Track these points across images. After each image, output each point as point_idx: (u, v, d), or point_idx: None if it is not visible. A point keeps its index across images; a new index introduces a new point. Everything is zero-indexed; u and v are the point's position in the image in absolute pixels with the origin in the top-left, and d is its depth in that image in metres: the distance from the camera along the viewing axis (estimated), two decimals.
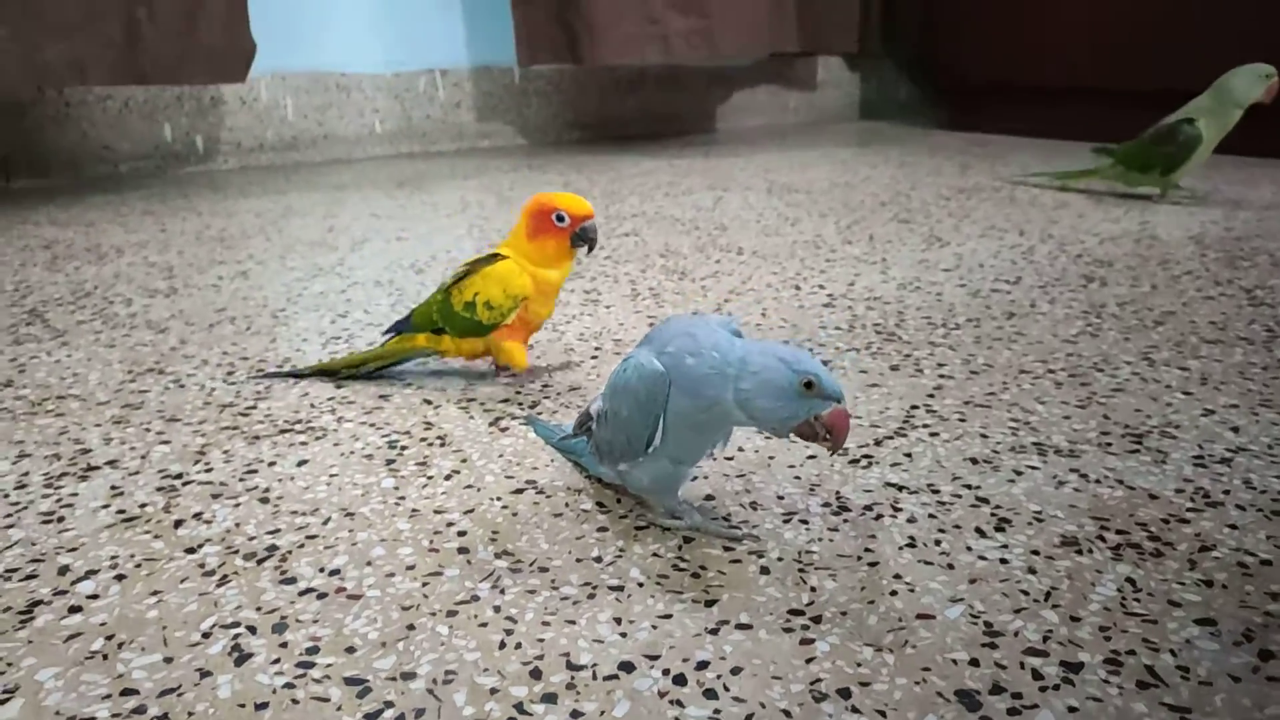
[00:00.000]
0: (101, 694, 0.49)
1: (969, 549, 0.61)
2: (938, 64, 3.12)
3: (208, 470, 0.75)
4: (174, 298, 1.24)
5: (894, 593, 0.57)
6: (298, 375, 0.95)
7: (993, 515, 0.66)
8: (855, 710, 0.47)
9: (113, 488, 0.72)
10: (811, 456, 0.75)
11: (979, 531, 0.64)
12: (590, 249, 0.86)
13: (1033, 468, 0.73)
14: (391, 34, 2.52)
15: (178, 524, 0.67)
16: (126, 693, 0.50)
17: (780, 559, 0.61)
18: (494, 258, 0.87)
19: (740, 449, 0.77)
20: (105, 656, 0.52)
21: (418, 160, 2.51)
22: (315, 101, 2.43)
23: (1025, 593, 0.57)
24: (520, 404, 0.87)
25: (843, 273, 1.31)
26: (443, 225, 1.70)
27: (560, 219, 0.84)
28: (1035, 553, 0.61)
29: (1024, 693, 0.48)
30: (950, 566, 0.59)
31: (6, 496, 0.71)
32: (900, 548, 0.62)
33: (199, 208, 1.88)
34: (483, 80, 2.69)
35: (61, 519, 0.67)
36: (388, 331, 0.94)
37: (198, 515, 0.68)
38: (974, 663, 0.50)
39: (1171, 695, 0.48)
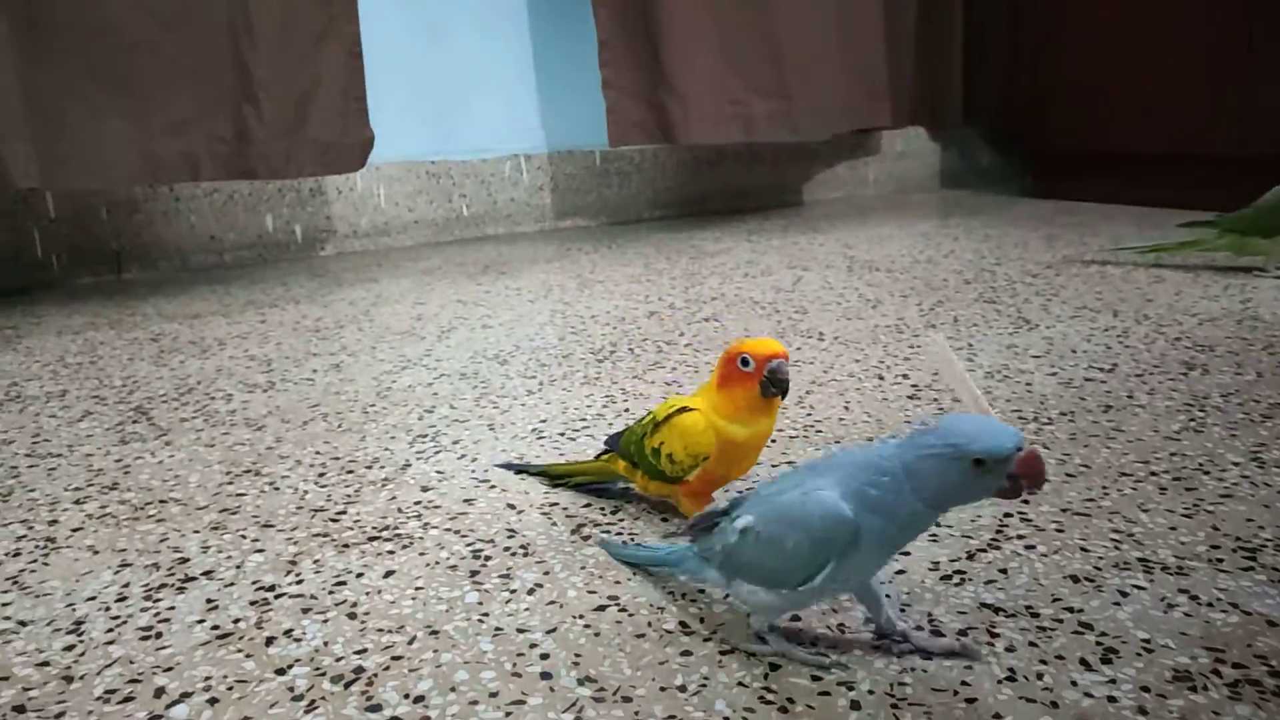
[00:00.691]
0: None
1: (1073, 684, 0.58)
2: (1020, 131, 3.08)
3: (299, 581, 0.76)
4: (271, 393, 1.29)
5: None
6: (526, 471, 0.96)
7: (1098, 644, 0.62)
8: None
9: (208, 600, 0.74)
10: (901, 572, 0.73)
11: (1084, 663, 0.60)
12: (783, 395, 0.75)
13: (1139, 587, 0.69)
14: (477, 122, 2.61)
15: (269, 641, 0.68)
16: None
17: (871, 691, 0.59)
18: (684, 409, 0.79)
19: None
20: None
21: (501, 243, 2.57)
22: (406, 189, 2.53)
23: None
24: (602, 509, 0.87)
25: (927, 361, 1.29)
26: (525, 311, 1.73)
27: (745, 363, 0.74)
28: (1145, 689, 0.57)
29: None
30: (1054, 704, 0.57)
31: (108, 610, 0.73)
32: (999, 681, 0.59)
33: (297, 296, 1.96)
34: (565, 163, 2.76)
35: (159, 634, 0.69)
36: (606, 444, 0.89)
37: (288, 632, 0.69)
38: None
39: None
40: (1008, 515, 0.81)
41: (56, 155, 1.72)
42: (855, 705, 0.58)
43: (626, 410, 1.14)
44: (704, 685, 0.60)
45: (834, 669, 0.61)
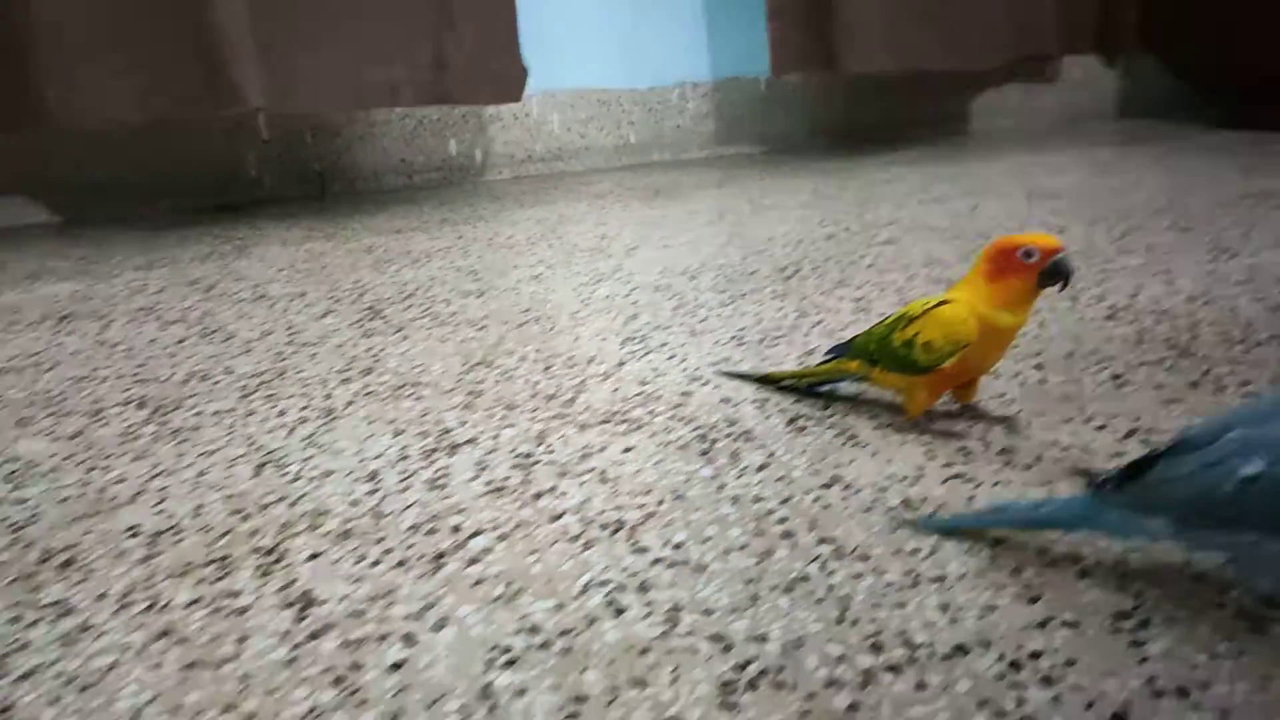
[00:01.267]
0: (512, 629, 0.60)
1: None
2: (1204, 58, 2.91)
3: (550, 452, 0.86)
4: (484, 298, 1.40)
5: (1220, 606, 0.59)
6: (748, 378, 1.01)
7: None
8: (1195, 707, 0.50)
9: (476, 463, 0.85)
10: None
11: None
12: (1064, 286, 0.80)
13: None
14: (645, 52, 2.66)
15: (537, 496, 0.78)
16: (532, 630, 0.60)
17: (1099, 562, 0.64)
18: (943, 303, 0.83)
19: None
20: (508, 600, 0.64)
21: (668, 169, 2.63)
22: (578, 115, 2.62)
23: None
24: (811, 404, 0.94)
25: (1123, 284, 1.29)
26: (703, 233, 1.79)
27: (1028, 255, 0.78)
28: None
29: None
30: None
31: (394, 465, 0.85)
32: (1221, 565, 0.63)
33: (484, 215, 2.08)
34: (730, 91, 2.78)
35: (443, 486, 0.81)
36: (829, 353, 0.95)
37: (552, 490, 0.79)
38: None
39: None
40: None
41: (280, 80, 1.88)
42: (1084, 573, 0.63)
43: (820, 322, 1.20)
44: (935, 550, 0.67)
45: None
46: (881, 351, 0.87)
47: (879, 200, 2.02)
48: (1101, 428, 0.85)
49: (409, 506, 0.77)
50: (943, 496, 0.74)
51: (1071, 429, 0.85)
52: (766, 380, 1.00)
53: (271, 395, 1.04)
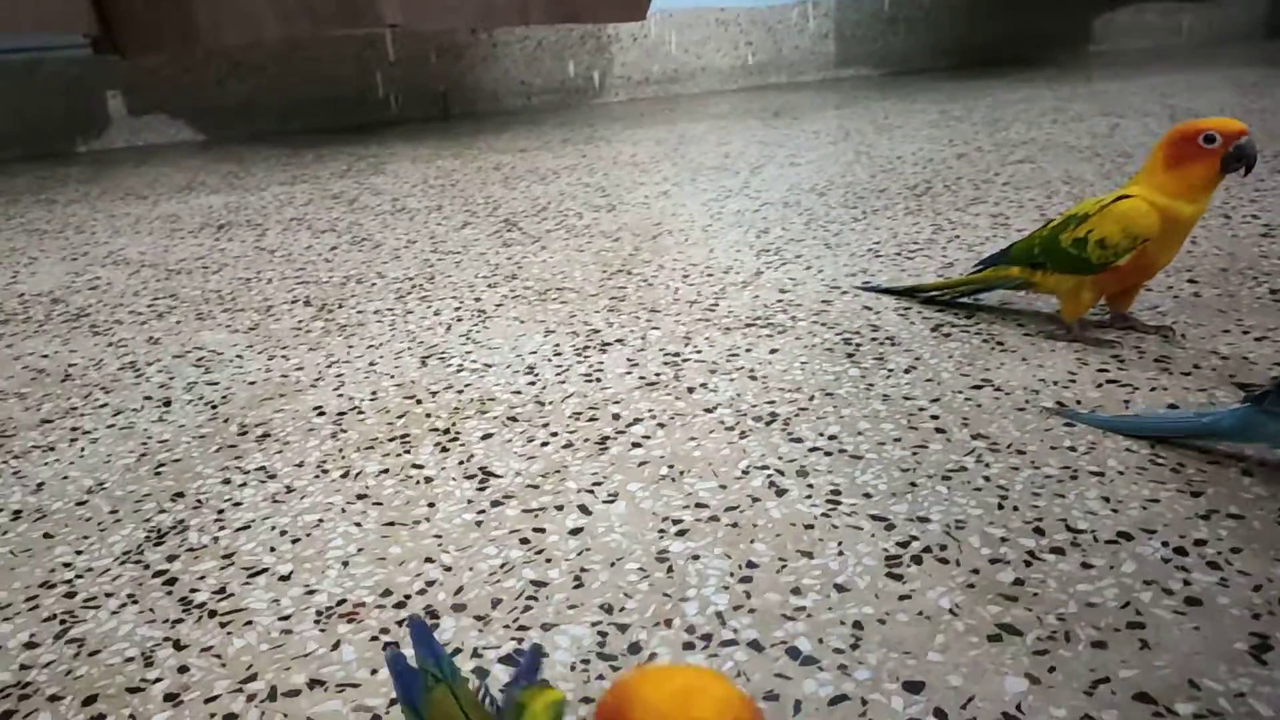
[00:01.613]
0: (680, 504, 0.64)
1: None
2: None
3: (698, 352, 0.89)
4: (615, 212, 1.43)
5: None
6: (892, 292, 1.01)
7: None
8: None
9: (628, 359, 0.88)
10: None
11: None
12: (1248, 170, 0.77)
13: None
14: None
15: (690, 390, 0.81)
16: (699, 505, 0.64)
17: (1262, 463, 0.64)
18: (1120, 199, 0.81)
19: None
20: (673, 479, 0.67)
21: (786, 91, 2.59)
22: (696, 36, 2.59)
23: None
24: (955, 313, 0.94)
25: (1277, 203, 1.23)
26: (828, 152, 1.78)
27: (1210, 140, 0.76)
28: None
29: None
30: None
31: (550, 360, 0.89)
32: None
33: (605, 135, 2.10)
34: (851, 10, 2.71)
35: (598, 379, 0.85)
36: (979, 264, 0.94)
37: (703, 385, 0.82)
38: None
39: None
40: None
41: None
42: (1247, 473, 0.63)
43: (957, 238, 1.19)
44: (1093, 447, 0.67)
45: None
46: (1048, 253, 0.85)
47: (1010, 120, 1.96)
48: (1261, 339, 0.83)
49: (568, 396, 0.82)
50: (1097, 400, 0.74)
51: (1229, 340, 0.83)
52: (912, 293, 1.00)
53: (425, 297, 1.10)
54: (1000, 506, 0.61)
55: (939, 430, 0.72)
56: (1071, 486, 0.63)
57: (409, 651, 0.41)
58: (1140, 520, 0.59)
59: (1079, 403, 0.74)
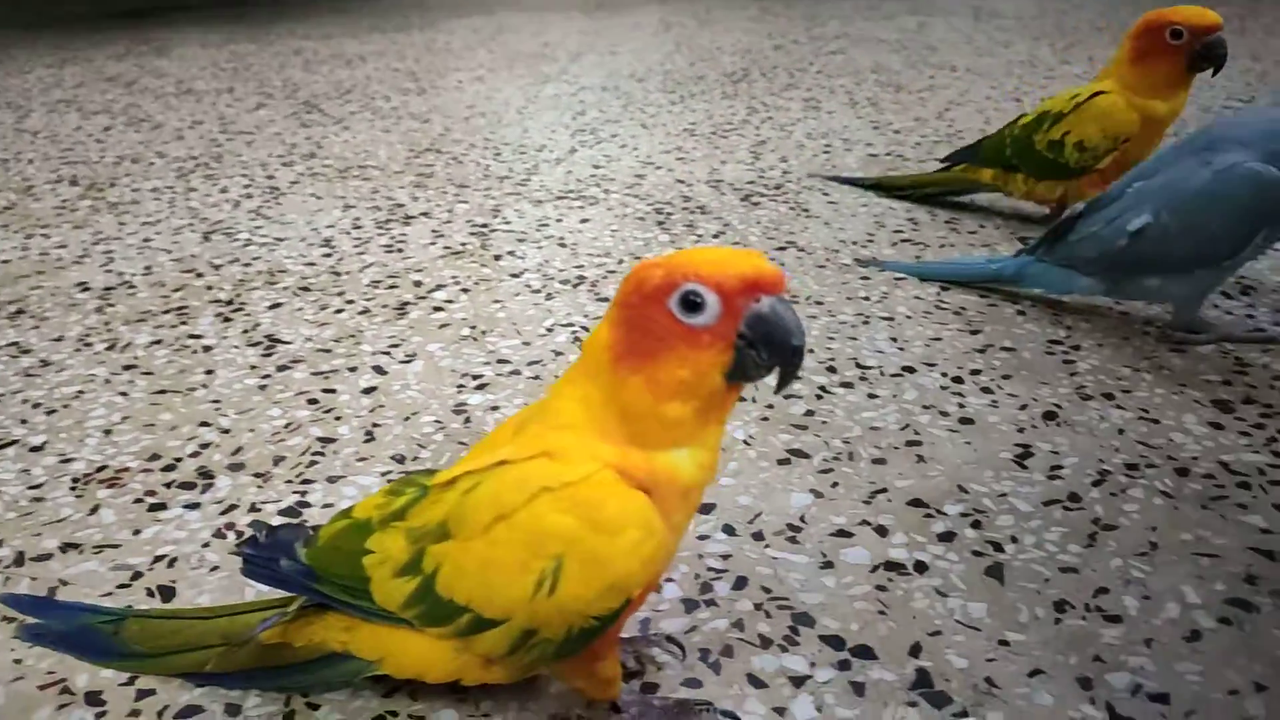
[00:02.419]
0: (481, 361, 0.62)
1: (1215, 306, 0.67)
2: None
3: (507, 223, 0.86)
4: (425, 96, 1.36)
5: (1145, 333, 0.63)
6: (855, 183, 0.93)
7: (1236, 282, 0.70)
8: (1120, 407, 0.55)
9: (433, 231, 0.85)
10: None
11: (1224, 294, 0.68)
12: (1217, 70, 0.71)
13: (1275, 249, 0.76)
14: None
15: (497, 257, 0.79)
16: (501, 362, 0.62)
17: (1032, 304, 0.68)
18: (1096, 95, 0.74)
19: None
20: (475, 339, 0.65)
21: None
22: None
23: (1274, 339, 0.62)
24: (766, 184, 0.95)
25: (1065, 88, 1.30)
26: (650, 42, 1.75)
27: (1176, 35, 0.68)
28: (1279, 311, 0.66)
29: (1275, 403, 0.54)
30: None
31: (349, 233, 0.84)
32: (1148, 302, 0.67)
33: (417, 23, 1.99)
34: None
35: (401, 250, 0.80)
36: (946, 160, 0.87)
37: (511, 253, 0.79)
38: (1226, 382, 0.57)
39: None
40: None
41: None
42: (1021, 313, 0.67)
43: (769, 119, 1.20)
44: (885, 296, 0.70)
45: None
46: (1021, 155, 0.77)
47: (827, 16, 1.99)
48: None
49: (367, 267, 0.77)
50: (892, 256, 0.77)
51: (1011, 203, 0.88)
52: (878, 187, 0.92)
53: (211, 175, 1.01)
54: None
55: None
56: (864, 330, 0.65)
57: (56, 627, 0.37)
58: (923, 356, 0.61)
59: (875, 258, 0.76)
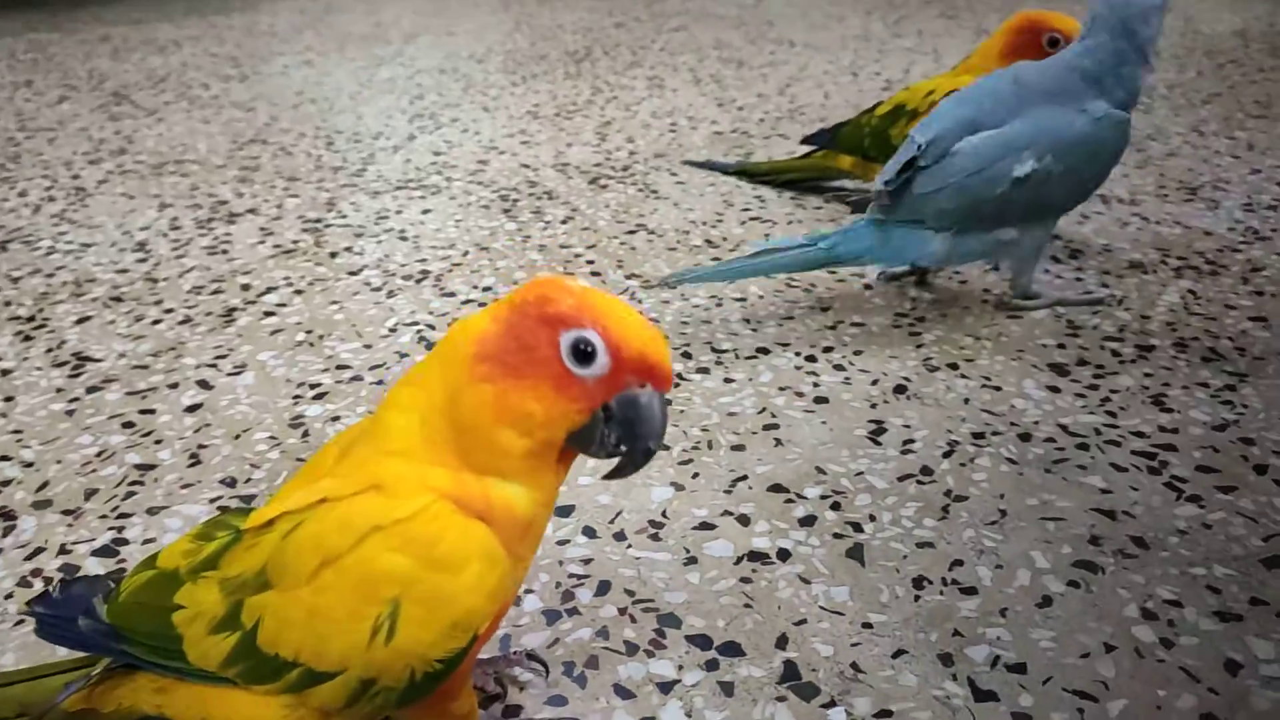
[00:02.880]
0: (319, 367, 0.58)
1: (1046, 271, 0.69)
2: None
3: (342, 217, 0.82)
4: (249, 83, 1.28)
5: (984, 301, 0.65)
6: (719, 169, 0.91)
7: (1065, 246, 0.73)
8: (964, 376, 0.56)
9: (261, 229, 0.79)
10: None
11: (1054, 259, 0.71)
12: None
13: (1099, 213, 0.80)
14: None
15: (333, 255, 0.74)
16: (340, 367, 0.58)
17: (877, 278, 0.69)
18: (953, 91, 0.73)
19: None
20: (311, 345, 0.61)
21: None
22: None
23: (1101, 299, 0.65)
24: (613, 165, 0.93)
25: (897, 62, 1.34)
26: (489, 21, 1.70)
27: (1053, 43, 0.69)
28: (1106, 273, 0.69)
29: (1105, 364, 0.57)
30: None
31: (166, 235, 0.78)
32: (984, 272, 0.69)
33: (238, 6, 1.87)
34: None
35: (225, 251, 0.75)
36: (807, 141, 0.86)
37: (348, 249, 0.75)
38: (1061, 346, 0.59)
39: (1230, 365, 0.56)
40: None
41: None
42: (868, 286, 0.68)
43: (614, 99, 1.18)
44: None
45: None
46: (879, 147, 0.78)
47: None
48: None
49: (188, 271, 0.71)
50: (741, 235, 0.77)
51: (853, 184, 0.89)
52: (742, 173, 0.90)
53: (7, 178, 0.92)
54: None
55: (594, 273, 0.70)
56: (717, 313, 0.64)
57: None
58: (777, 336, 0.61)
59: (725, 238, 0.76)
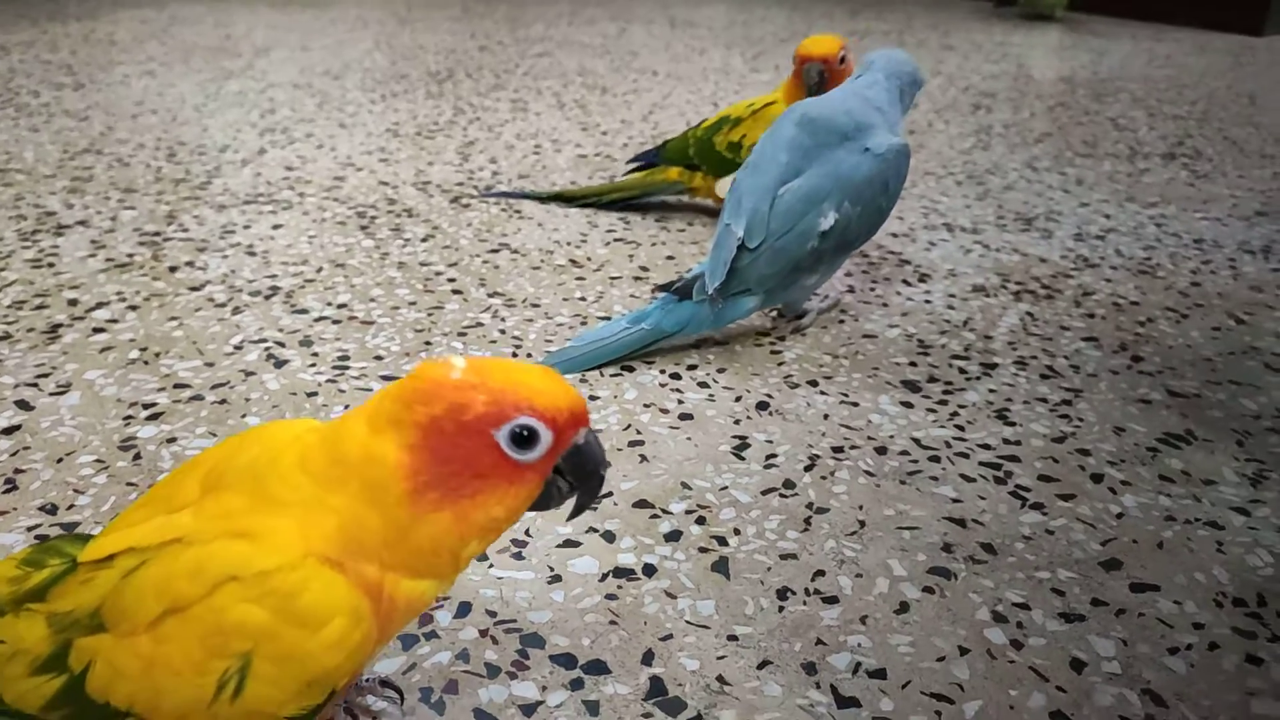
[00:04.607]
0: (155, 386, 0.54)
1: (898, 294, 0.72)
2: None
3: (184, 230, 0.77)
4: (84, 91, 1.20)
5: (841, 321, 0.67)
6: (533, 197, 0.89)
7: (914, 271, 0.76)
8: (823, 393, 0.57)
9: (93, 241, 0.74)
10: None
11: (905, 282, 0.74)
12: (809, 92, 0.78)
13: (944, 240, 0.83)
14: None
15: (172, 269, 0.70)
16: (179, 386, 0.54)
17: None
18: (769, 105, 0.82)
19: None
20: (147, 363, 0.57)
21: None
22: None
23: (947, 321, 0.68)
24: (476, 185, 0.92)
25: (755, 94, 1.38)
26: (346, 39, 1.66)
27: (795, 60, 0.79)
28: (952, 295, 0.72)
29: (954, 381, 0.59)
30: (885, 305, 0.70)
31: None
32: (842, 292, 0.72)
33: (75, 13, 1.76)
34: None
35: (52, 264, 0.69)
36: (632, 161, 0.89)
37: (190, 264, 0.71)
38: (913, 364, 0.61)
39: (1067, 382, 0.60)
40: None
41: None
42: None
43: (477, 120, 1.17)
44: (600, 296, 0.69)
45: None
46: (703, 155, 0.83)
47: (530, 19, 1.99)
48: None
49: (8, 285, 0.66)
50: (605, 256, 0.77)
51: (697, 203, 0.91)
52: (559, 198, 0.89)
53: None
54: (514, 354, 0.60)
55: (455, 291, 0.69)
56: (582, 331, 0.63)
57: None
58: (641, 354, 0.61)
59: (589, 259, 0.76)
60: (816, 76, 0.78)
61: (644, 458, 0.50)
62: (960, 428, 0.54)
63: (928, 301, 0.71)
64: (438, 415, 0.26)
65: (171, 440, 0.49)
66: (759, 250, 0.60)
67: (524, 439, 0.26)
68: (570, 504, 0.29)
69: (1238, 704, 0.36)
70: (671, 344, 0.61)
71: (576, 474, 0.28)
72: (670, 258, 0.77)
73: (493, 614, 0.39)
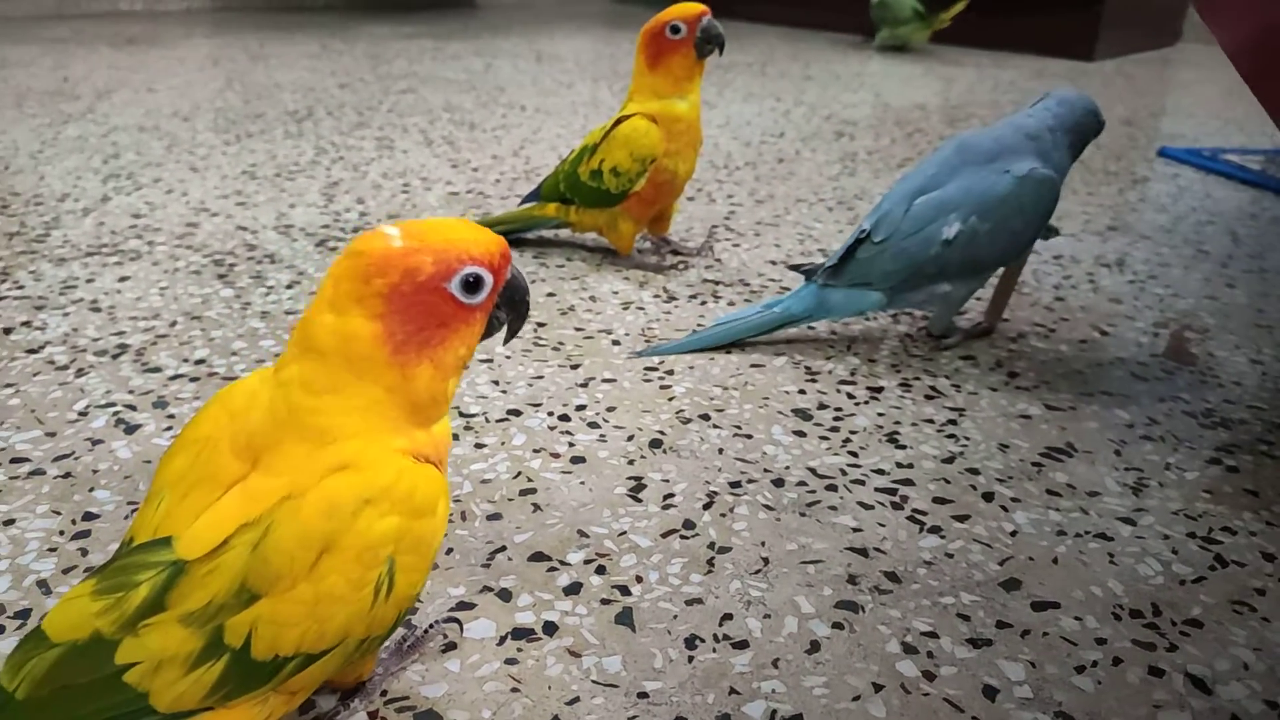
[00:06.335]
0: None
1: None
2: None
3: (19, 287, 0.71)
4: None
5: (729, 351, 0.66)
6: None
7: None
8: (716, 426, 0.56)
9: None
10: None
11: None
12: (720, 49, 0.75)
13: None
14: None
15: (7, 331, 0.63)
16: (16, 461, 0.49)
17: (626, 334, 0.68)
18: (621, 120, 0.76)
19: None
20: None
21: (141, 19, 2.28)
22: None
23: (831, 346, 0.68)
24: (343, 227, 0.88)
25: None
26: (195, 79, 1.58)
27: (675, 30, 0.73)
28: (833, 320, 0.72)
29: (843, 406, 0.59)
30: (769, 332, 0.70)
31: None
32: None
33: None
34: None
35: None
36: (525, 200, 0.85)
37: (26, 324, 0.65)
38: (801, 391, 0.61)
39: (950, 401, 0.61)
40: (714, 227, 0.94)
41: None
42: (616, 342, 0.67)
43: (341, 159, 1.13)
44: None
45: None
46: (572, 188, 0.79)
47: (392, 56, 1.94)
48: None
49: None
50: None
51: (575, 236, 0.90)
52: None
53: None
54: None
55: None
56: (465, 375, 0.61)
57: None
58: (528, 396, 0.59)
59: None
60: (718, 29, 0.74)
61: (537, 506, 0.47)
62: (854, 454, 0.54)
63: (811, 328, 0.71)
64: (395, 282, 0.29)
65: (9, 523, 0.44)
66: (883, 245, 0.65)
67: (472, 285, 0.30)
68: (503, 333, 0.34)
69: (1146, 718, 0.37)
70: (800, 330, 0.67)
71: (509, 303, 0.33)
72: (551, 294, 0.75)
73: (384, 692, 0.36)
